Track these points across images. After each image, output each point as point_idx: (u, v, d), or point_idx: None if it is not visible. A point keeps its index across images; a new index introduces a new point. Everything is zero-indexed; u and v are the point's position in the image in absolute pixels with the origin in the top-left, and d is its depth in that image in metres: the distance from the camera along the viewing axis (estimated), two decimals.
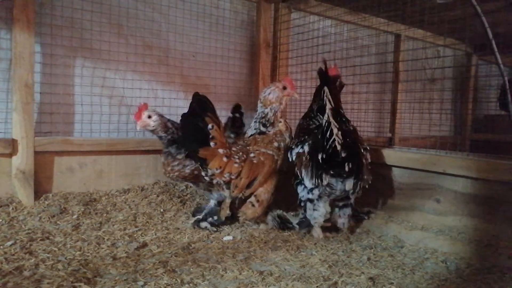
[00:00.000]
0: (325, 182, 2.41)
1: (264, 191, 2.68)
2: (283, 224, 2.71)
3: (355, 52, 4.33)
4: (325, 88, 2.32)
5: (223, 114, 3.78)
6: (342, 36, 4.26)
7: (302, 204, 2.67)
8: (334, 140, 2.24)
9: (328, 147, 2.27)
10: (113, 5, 3.18)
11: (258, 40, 3.87)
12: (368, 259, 2.27)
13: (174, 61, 3.52)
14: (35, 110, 2.83)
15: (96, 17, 3.11)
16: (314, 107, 2.87)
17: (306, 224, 2.68)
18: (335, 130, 2.25)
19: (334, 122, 2.26)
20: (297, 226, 2.71)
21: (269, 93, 2.76)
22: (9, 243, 2.15)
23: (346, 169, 2.31)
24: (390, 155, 2.97)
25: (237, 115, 3.37)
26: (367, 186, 2.60)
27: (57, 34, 2.96)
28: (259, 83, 3.86)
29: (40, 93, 2.91)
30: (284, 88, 2.76)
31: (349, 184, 2.40)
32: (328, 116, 2.27)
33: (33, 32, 2.72)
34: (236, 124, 3.33)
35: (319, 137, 2.37)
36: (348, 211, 2.65)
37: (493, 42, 2.54)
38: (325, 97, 2.30)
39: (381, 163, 3.02)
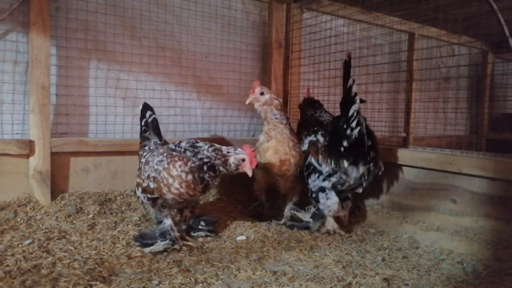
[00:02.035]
0: (343, 166, 2.57)
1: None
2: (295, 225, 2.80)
3: (368, 51, 4.30)
4: (352, 80, 2.49)
5: (235, 114, 3.80)
6: (355, 36, 4.22)
7: (314, 195, 2.75)
8: (360, 129, 2.43)
9: (353, 136, 2.46)
10: (127, 7, 3.22)
11: (270, 40, 3.87)
12: (383, 259, 2.25)
13: (187, 62, 3.55)
14: (51, 111, 2.88)
15: (110, 19, 3.15)
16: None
17: (319, 216, 2.73)
18: (362, 121, 2.45)
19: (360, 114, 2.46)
20: (310, 220, 2.76)
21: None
22: (27, 241, 2.19)
23: (372, 155, 2.59)
24: (405, 155, 2.94)
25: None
26: (380, 173, 2.75)
27: (72, 37, 3.01)
28: (271, 83, 3.85)
29: (56, 95, 2.96)
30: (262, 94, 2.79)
31: (363, 169, 2.59)
32: (357, 106, 2.46)
33: (48, 35, 2.77)
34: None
35: (343, 126, 2.50)
36: (349, 203, 2.85)
37: (510, 40, 2.49)
38: (352, 88, 2.50)
39: (395, 163, 2.99)
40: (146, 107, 2.75)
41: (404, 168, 2.95)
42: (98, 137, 3.14)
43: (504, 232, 2.36)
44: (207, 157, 2.23)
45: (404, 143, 4.60)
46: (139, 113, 2.77)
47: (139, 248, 2.24)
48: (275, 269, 2.06)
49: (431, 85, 4.71)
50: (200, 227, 2.56)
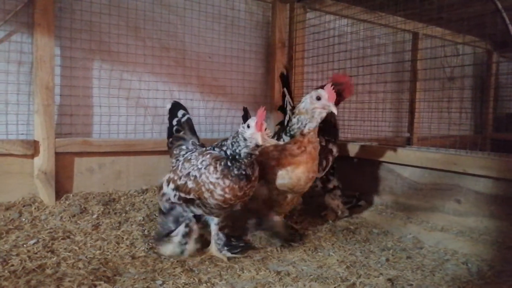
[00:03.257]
0: None
1: None
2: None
3: (371, 51, 4.29)
4: (284, 91, 2.90)
5: (239, 114, 3.80)
6: (359, 35, 4.22)
7: None
8: None
9: None
10: (131, 8, 3.22)
11: (274, 40, 3.86)
12: (387, 260, 2.24)
13: (191, 63, 3.55)
14: (55, 112, 2.89)
15: (114, 20, 3.16)
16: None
17: None
18: None
19: None
20: None
21: (302, 102, 2.31)
22: (32, 241, 2.20)
23: None
24: (409, 155, 2.93)
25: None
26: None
27: (76, 37, 3.02)
28: (274, 84, 3.85)
29: (60, 95, 2.97)
30: (318, 98, 2.19)
31: None
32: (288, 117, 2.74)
33: (53, 36, 2.78)
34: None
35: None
36: (338, 192, 2.96)
37: None
38: (285, 99, 2.83)
39: (399, 163, 2.99)
40: (177, 106, 2.57)
41: (408, 168, 2.94)
42: (102, 137, 3.15)
43: (509, 232, 2.35)
44: (227, 147, 2.02)
45: (408, 143, 4.59)
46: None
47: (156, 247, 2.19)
48: (279, 269, 2.06)
49: (435, 85, 4.70)
50: (233, 242, 2.29)
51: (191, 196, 2.09)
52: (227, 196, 2.00)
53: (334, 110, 2.16)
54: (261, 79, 3.97)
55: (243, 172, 1.99)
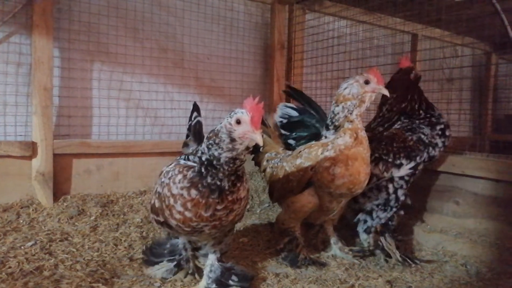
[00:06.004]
0: None
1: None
2: None
3: (371, 52, 4.29)
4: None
5: None
6: (358, 37, 4.22)
7: None
8: None
9: None
10: (129, 9, 3.22)
11: (273, 42, 3.86)
12: (386, 262, 2.24)
13: (189, 64, 3.55)
14: (54, 113, 2.89)
15: (112, 21, 3.15)
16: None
17: None
18: None
19: None
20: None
21: (345, 88, 2.15)
22: (30, 243, 2.19)
23: None
24: None
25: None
26: None
27: (74, 39, 3.01)
28: (273, 85, 3.85)
29: (59, 96, 2.97)
30: (367, 82, 2.11)
31: None
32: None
33: (51, 37, 2.77)
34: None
35: None
36: None
37: None
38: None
39: None
40: (193, 108, 2.24)
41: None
42: (100, 139, 3.14)
43: (508, 234, 2.34)
44: (202, 152, 1.59)
45: None
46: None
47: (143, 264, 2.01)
48: (278, 271, 2.06)
49: (434, 86, 4.69)
50: (231, 282, 1.82)
51: (161, 219, 1.72)
52: (187, 215, 1.59)
53: (386, 92, 2.11)
54: (260, 80, 3.97)
55: (218, 183, 1.54)
